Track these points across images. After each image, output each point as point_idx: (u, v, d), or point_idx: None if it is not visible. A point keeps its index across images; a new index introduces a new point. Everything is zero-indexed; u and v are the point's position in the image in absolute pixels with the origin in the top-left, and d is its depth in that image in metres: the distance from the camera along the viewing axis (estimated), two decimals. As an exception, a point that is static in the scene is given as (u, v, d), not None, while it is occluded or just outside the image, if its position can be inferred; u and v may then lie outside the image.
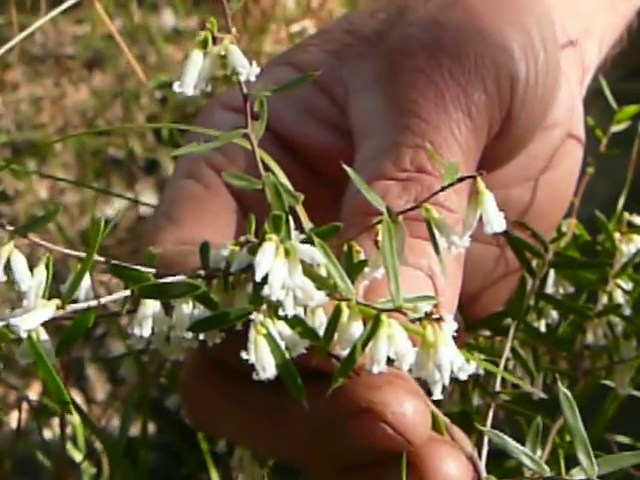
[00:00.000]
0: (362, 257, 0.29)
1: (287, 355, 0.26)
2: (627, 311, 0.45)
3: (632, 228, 0.47)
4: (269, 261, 0.26)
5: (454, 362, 0.25)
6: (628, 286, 0.45)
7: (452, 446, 0.33)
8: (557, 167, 0.42)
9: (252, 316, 0.26)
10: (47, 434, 0.87)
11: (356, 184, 0.29)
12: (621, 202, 0.51)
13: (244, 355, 0.26)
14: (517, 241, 0.40)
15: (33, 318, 0.26)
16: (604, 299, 0.44)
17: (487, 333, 0.42)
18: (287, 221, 0.27)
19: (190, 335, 0.29)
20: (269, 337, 0.26)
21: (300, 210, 0.29)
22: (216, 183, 0.37)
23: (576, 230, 0.48)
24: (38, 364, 0.26)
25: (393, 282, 0.26)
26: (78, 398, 0.90)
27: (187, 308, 0.29)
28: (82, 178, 1.30)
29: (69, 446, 0.73)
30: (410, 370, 0.26)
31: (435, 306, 0.25)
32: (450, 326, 0.25)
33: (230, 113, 0.37)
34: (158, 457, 0.85)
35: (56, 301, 0.27)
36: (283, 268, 0.26)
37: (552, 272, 0.43)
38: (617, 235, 0.47)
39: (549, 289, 0.44)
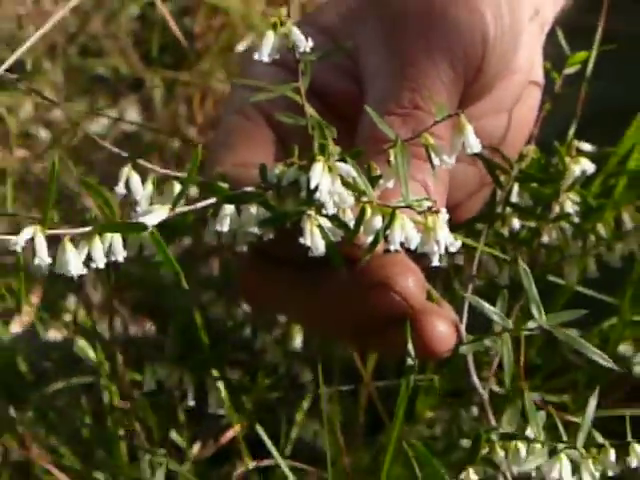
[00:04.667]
0: (378, 173, 0.42)
1: (331, 238, 0.39)
2: (575, 218, 0.58)
3: (580, 152, 0.60)
4: (319, 174, 0.38)
5: (447, 239, 0.38)
6: (576, 198, 0.58)
7: (441, 312, 0.46)
8: (521, 104, 0.55)
9: (308, 212, 0.38)
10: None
11: (373, 119, 0.41)
12: (572, 131, 0.64)
13: (301, 240, 0.38)
14: (489, 161, 0.53)
15: (155, 216, 0.38)
16: (557, 209, 0.57)
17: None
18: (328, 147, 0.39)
19: (256, 230, 0.41)
20: (320, 227, 0.38)
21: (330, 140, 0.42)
22: (260, 119, 0.49)
23: (535, 155, 0.60)
24: (158, 250, 0.38)
25: (404, 188, 0.39)
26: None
27: (253, 210, 0.41)
28: (70, 95, 1.40)
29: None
30: (416, 249, 0.39)
31: (433, 203, 0.38)
32: (443, 216, 0.38)
33: (270, 67, 0.48)
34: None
35: (168, 205, 0.39)
36: (328, 180, 0.38)
37: (516, 186, 0.56)
38: (568, 158, 0.59)
39: (513, 200, 0.56)
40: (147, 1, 1.62)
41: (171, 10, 1.62)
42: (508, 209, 0.57)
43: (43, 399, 0.87)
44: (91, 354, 0.86)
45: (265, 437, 0.52)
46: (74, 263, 0.36)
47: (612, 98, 0.74)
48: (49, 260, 0.36)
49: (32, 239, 0.35)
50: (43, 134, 1.37)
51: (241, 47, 1.45)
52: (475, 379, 0.47)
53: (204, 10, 1.51)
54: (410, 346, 0.45)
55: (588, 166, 0.59)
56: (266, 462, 0.53)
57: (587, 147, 0.61)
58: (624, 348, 0.71)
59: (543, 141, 0.60)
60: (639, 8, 0.82)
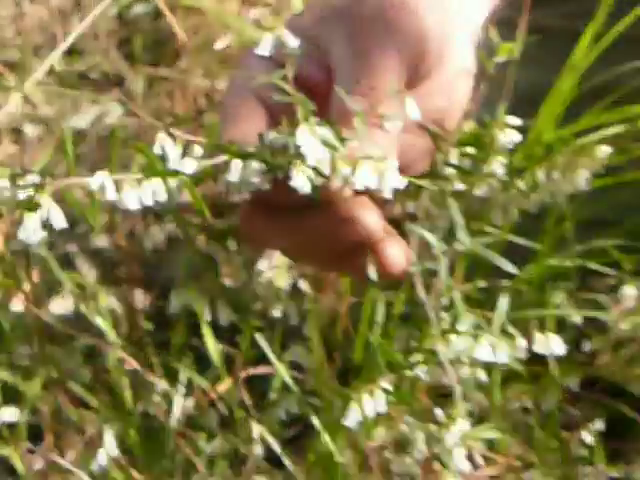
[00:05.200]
0: (345, 136, 0.57)
1: (313, 181, 0.54)
2: (502, 177, 0.74)
3: (507, 124, 0.76)
4: (304, 136, 0.53)
5: (396, 179, 0.54)
6: (503, 161, 0.74)
7: (395, 240, 0.62)
8: (455, 89, 0.70)
9: (295, 163, 0.54)
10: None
11: (341, 97, 0.57)
12: (502, 109, 0.79)
13: (291, 183, 0.54)
14: (431, 130, 0.69)
15: (188, 166, 0.53)
16: (485, 168, 0.73)
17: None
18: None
19: (256, 180, 0.57)
20: (304, 173, 0.54)
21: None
22: (254, 100, 0.64)
23: (472, 128, 0.76)
24: (189, 193, 0.53)
25: (365, 145, 0.54)
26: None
27: (255, 164, 0.57)
28: (55, 92, 1.55)
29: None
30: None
31: (383, 156, 0.54)
32: (393, 163, 0.54)
33: (261, 60, 0.63)
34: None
35: (196, 160, 0.54)
36: (310, 139, 0.54)
37: (454, 151, 0.72)
38: (497, 130, 0.75)
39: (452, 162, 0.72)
40: (125, 3, 1.77)
41: (147, 12, 1.77)
42: (450, 171, 0.73)
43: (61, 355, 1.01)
44: (98, 318, 1.01)
45: (265, 346, 0.68)
46: (132, 200, 0.52)
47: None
48: (115, 197, 0.51)
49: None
50: (31, 130, 1.51)
51: (218, 45, 1.60)
52: (422, 293, 0.63)
53: (180, 10, 1.65)
54: (372, 269, 0.61)
55: (514, 136, 0.75)
56: (264, 369, 0.69)
57: (516, 121, 0.77)
58: (559, 297, 0.87)
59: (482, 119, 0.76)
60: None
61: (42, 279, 1.15)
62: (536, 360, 0.75)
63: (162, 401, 0.83)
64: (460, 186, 0.74)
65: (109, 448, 0.68)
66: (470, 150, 0.74)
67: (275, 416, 0.73)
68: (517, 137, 0.74)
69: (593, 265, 0.83)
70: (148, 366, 0.86)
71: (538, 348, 0.60)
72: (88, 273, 1.19)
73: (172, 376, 0.85)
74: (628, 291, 0.85)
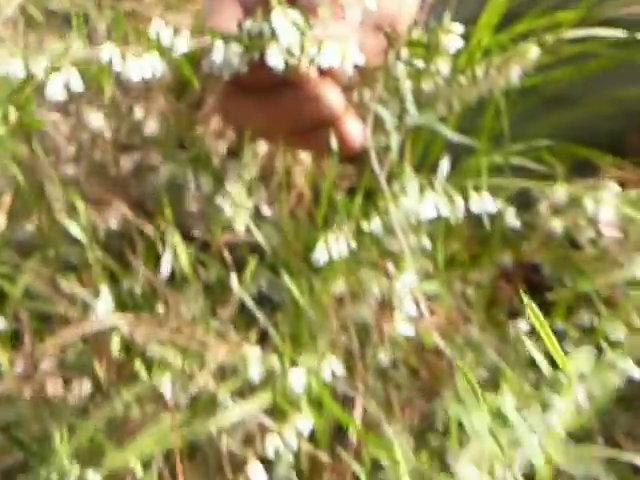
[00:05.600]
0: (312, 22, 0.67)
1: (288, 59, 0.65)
2: (446, 75, 0.85)
3: (451, 30, 0.87)
4: (278, 17, 0.63)
5: (356, 55, 0.64)
6: (447, 60, 0.85)
7: (355, 117, 0.72)
8: None
9: (270, 44, 0.64)
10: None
11: None
12: (447, 16, 0.90)
13: (268, 61, 0.64)
14: (386, 33, 0.79)
15: (181, 45, 0.63)
16: (432, 68, 0.84)
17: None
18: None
19: (236, 61, 0.67)
20: (278, 52, 0.64)
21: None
22: None
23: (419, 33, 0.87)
24: (183, 67, 0.63)
25: (329, 30, 0.65)
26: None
27: (235, 46, 0.67)
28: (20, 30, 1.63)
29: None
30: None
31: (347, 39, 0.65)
32: (353, 45, 0.64)
33: None
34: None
35: (185, 39, 0.64)
36: (283, 21, 0.64)
37: (406, 49, 0.83)
38: (442, 34, 0.86)
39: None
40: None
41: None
42: (401, 70, 0.83)
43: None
44: (75, 229, 1.10)
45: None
46: (135, 70, 0.61)
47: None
48: (120, 68, 0.61)
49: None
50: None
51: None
52: (376, 165, 0.73)
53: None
54: (333, 142, 0.71)
55: (457, 40, 0.85)
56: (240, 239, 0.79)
57: (458, 28, 0.88)
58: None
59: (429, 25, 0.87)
60: None
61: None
62: (475, 241, 0.87)
63: (145, 282, 0.92)
64: (409, 83, 0.85)
65: (105, 300, 0.78)
66: (418, 52, 0.85)
67: (252, 289, 0.83)
68: (459, 43, 0.85)
69: (527, 162, 0.94)
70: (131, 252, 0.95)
71: (474, 207, 0.71)
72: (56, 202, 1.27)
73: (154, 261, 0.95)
74: (559, 189, 0.97)
